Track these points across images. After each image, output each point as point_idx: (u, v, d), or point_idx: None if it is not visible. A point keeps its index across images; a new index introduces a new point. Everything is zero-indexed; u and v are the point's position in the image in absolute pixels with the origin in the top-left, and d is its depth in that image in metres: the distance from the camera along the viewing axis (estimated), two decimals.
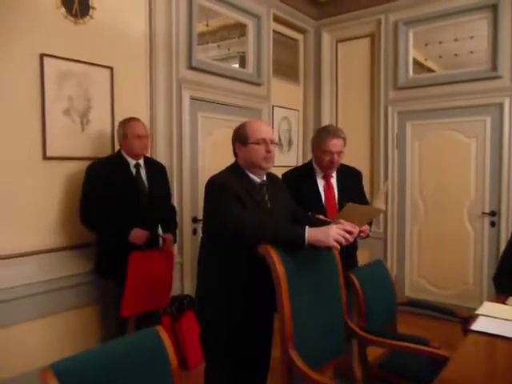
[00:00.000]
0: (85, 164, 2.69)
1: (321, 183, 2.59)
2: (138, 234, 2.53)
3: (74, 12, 2.69)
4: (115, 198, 2.53)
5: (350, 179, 2.66)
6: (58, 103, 2.62)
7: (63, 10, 2.64)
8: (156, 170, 2.82)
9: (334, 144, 2.45)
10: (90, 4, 2.77)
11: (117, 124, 2.89)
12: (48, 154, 2.59)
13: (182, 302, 3.08)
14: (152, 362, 1.32)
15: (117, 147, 2.89)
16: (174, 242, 2.92)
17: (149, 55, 3.15)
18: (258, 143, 1.92)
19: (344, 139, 2.52)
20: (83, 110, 2.75)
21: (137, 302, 2.54)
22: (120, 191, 2.56)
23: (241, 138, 1.95)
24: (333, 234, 1.68)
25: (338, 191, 2.59)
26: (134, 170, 2.67)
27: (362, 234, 2.24)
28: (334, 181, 2.61)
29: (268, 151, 1.93)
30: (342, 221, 1.86)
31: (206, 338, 2.00)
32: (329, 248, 1.75)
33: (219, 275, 1.90)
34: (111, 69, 2.88)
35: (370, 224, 2.31)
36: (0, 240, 2.40)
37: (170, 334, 2.94)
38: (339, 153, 2.48)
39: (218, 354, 1.96)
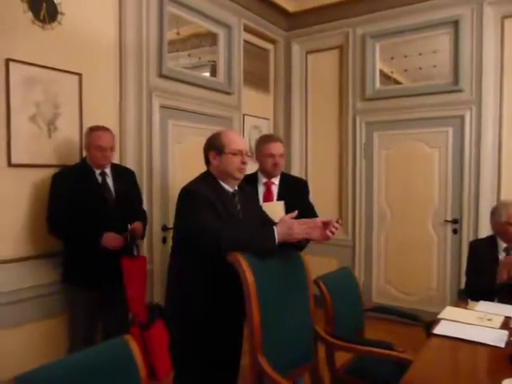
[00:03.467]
0: (52, 172, 2.65)
1: (261, 189, 2.70)
2: (111, 238, 2.49)
3: (41, 17, 2.65)
4: (81, 207, 2.49)
5: (293, 188, 2.73)
6: (24, 109, 2.57)
7: (30, 14, 2.60)
8: (124, 176, 2.80)
9: (276, 146, 2.65)
10: (59, 10, 2.73)
11: (85, 131, 2.86)
12: (13, 161, 2.52)
13: (152, 311, 3.04)
14: (121, 372, 1.32)
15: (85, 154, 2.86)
16: (142, 237, 2.90)
17: (119, 62, 3.13)
18: (234, 154, 1.94)
19: (283, 143, 2.75)
20: (50, 117, 2.70)
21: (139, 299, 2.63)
22: (86, 199, 2.52)
23: (216, 146, 1.97)
24: (296, 226, 1.76)
25: (277, 198, 2.68)
26: (99, 178, 2.64)
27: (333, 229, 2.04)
28: (275, 188, 2.71)
29: (243, 163, 1.96)
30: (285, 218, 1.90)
31: (175, 347, 1.99)
32: (298, 244, 1.83)
33: (189, 284, 1.90)
34: (80, 75, 2.85)
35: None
36: None
37: (139, 344, 2.88)
38: (281, 155, 2.66)
39: (188, 364, 1.95)
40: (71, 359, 1.27)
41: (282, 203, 2.52)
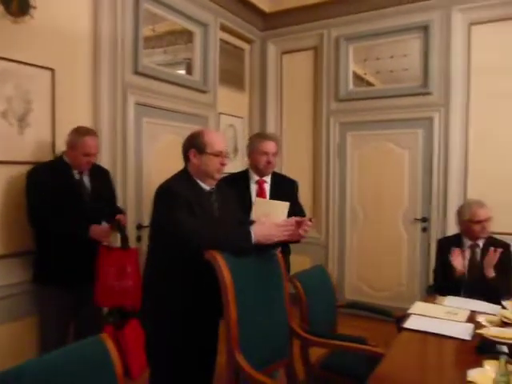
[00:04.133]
0: (22, 168, 2.59)
1: (254, 188, 2.72)
2: (99, 229, 2.48)
3: (12, 10, 2.58)
4: (58, 204, 2.45)
5: (284, 187, 2.76)
6: None
7: (1, 8, 2.53)
8: (100, 174, 2.77)
9: (270, 146, 2.67)
10: (31, 3, 2.67)
11: (58, 128, 2.82)
12: None
13: (126, 310, 3.02)
14: (97, 370, 1.31)
15: (58, 152, 2.80)
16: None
17: (93, 58, 3.08)
18: (215, 155, 1.95)
19: (277, 141, 2.75)
20: (22, 113, 2.64)
21: (108, 295, 2.55)
22: (62, 197, 2.48)
23: (198, 145, 1.97)
24: (274, 229, 1.80)
25: (270, 196, 2.70)
26: (76, 176, 2.60)
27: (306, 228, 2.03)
28: (267, 186, 2.73)
29: (222, 164, 1.98)
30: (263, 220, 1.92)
31: (151, 346, 1.99)
32: (275, 245, 1.87)
33: (165, 282, 1.90)
34: (53, 70, 2.79)
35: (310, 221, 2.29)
36: None
37: (114, 344, 2.86)
38: (274, 153, 2.69)
39: (164, 363, 1.95)
40: (47, 358, 1.25)
41: (287, 205, 2.31)
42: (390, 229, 4.30)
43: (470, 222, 2.69)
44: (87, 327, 2.63)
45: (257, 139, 2.74)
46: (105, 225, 2.61)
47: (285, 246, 2.54)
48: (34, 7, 2.69)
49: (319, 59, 4.60)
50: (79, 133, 2.55)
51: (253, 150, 2.72)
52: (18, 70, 2.60)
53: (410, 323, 2.07)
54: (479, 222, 2.65)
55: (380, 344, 2.00)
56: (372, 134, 4.40)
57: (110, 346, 1.40)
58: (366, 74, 4.48)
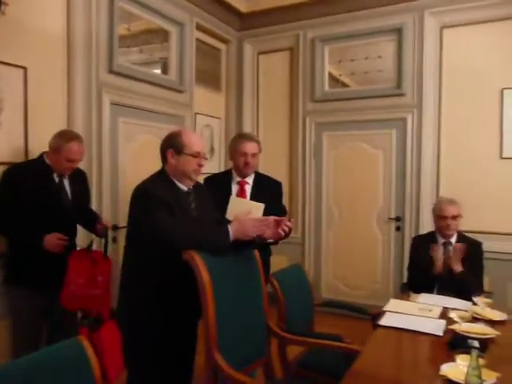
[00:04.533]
0: None
1: (235, 188, 2.72)
2: (52, 241, 2.38)
3: None
4: (34, 206, 2.39)
5: (267, 188, 2.76)
6: None
7: None
8: (78, 177, 2.71)
9: (249, 146, 2.66)
10: (2, 0, 2.60)
11: (30, 127, 2.76)
12: None
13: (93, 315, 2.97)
14: (74, 372, 1.29)
15: (31, 152, 2.75)
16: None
17: (66, 56, 3.02)
18: (193, 155, 1.95)
19: (258, 143, 2.73)
20: None
21: (72, 299, 2.47)
22: (41, 199, 2.42)
23: (176, 146, 1.96)
24: (250, 224, 1.82)
25: (250, 197, 2.70)
26: (56, 179, 2.54)
27: (285, 228, 2.01)
28: (248, 187, 2.73)
29: (200, 165, 1.98)
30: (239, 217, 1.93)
31: (128, 347, 1.98)
32: (252, 241, 1.88)
33: (143, 283, 1.89)
34: (25, 69, 2.73)
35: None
36: None
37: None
38: (254, 155, 2.68)
39: (142, 364, 1.93)
40: (23, 361, 1.23)
41: (262, 206, 2.41)
42: (365, 228, 4.38)
43: (438, 218, 2.79)
44: (60, 331, 2.58)
45: (236, 140, 2.75)
46: (60, 235, 2.45)
47: (265, 247, 2.55)
48: (6, 4, 2.61)
49: (295, 60, 4.63)
50: (64, 138, 2.49)
51: (233, 150, 2.73)
52: None
53: (384, 320, 2.11)
54: (446, 217, 2.74)
55: (356, 341, 2.04)
56: (347, 135, 4.46)
57: (88, 348, 1.38)
58: (341, 75, 4.55)
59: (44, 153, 2.55)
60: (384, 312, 2.25)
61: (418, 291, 2.62)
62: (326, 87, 4.53)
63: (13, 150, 2.69)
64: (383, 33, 4.22)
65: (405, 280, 3.28)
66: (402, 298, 2.54)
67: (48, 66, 2.90)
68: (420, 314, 2.21)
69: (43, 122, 2.85)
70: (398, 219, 4.24)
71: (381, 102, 4.24)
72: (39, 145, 2.71)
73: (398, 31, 4.12)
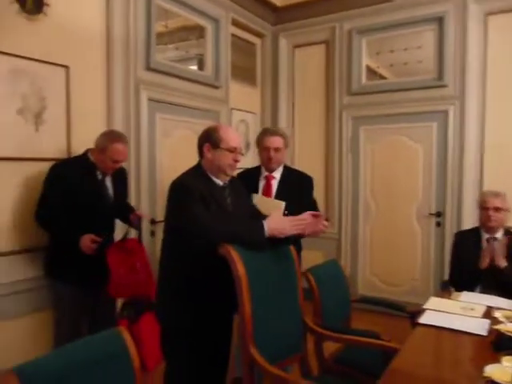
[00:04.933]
0: (38, 165, 2.63)
1: (262, 183, 2.71)
2: (85, 243, 2.43)
3: (27, 8, 2.61)
4: (76, 202, 2.46)
5: (295, 182, 2.71)
6: (11, 102, 2.53)
7: (16, 6, 2.56)
8: (119, 174, 2.77)
9: (271, 140, 2.64)
10: (45, 1, 2.69)
11: (73, 124, 2.85)
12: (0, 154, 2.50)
13: (141, 304, 3.05)
14: (115, 363, 1.33)
15: (73, 148, 2.84)
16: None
17: (106, 55, 3.10)
18: (229, 150, 1.96)
19: (283, 137, 2.68)
20: (37, 110, 2.67)
21: (121, 288, 2.61)
22: (83, 196, 2.48)
23: (212, 140, 1.97)
24: (287, 222, 1.81)
25: (276, 192, 2.67)
26: (99, 176, 2.61)
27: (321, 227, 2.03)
28: (275, 182, 2.71)
29: (236, 160, 1.98)
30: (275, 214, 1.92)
31: (166, 339, 2.01)
32: (287, 239, 1.87)
33: (180, 276, 1.92)
34: (67, 68, 2.82)
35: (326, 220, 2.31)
36: None
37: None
38: (277, 149, 2.64)
39: (179, 355, 1.97)
40: (67, 350, 1.28)
41: (282, 204, 2.43)
42: (404, 223, 4.27)
43: (480, 209, 2.71)
44: (101, 324, 2.66)
45: (261, 135, 2.74)
46: (94, 237, 2.48)
47: (296, 242, 2.53)
48: (48, 5, 2.71)
49: (331, 53, 4.56)
50: (111, 138, 2.54)
51: (258, 145, 2.74)
52: (33, 67, 2.64)
53: (424, 318, 2.05)
54: (487, 208, 2.64)
55: (394, 339, 1.99)
56: (385, 128, 4.36)
57: (128, 338, 1.41)
58: (378, 67, 4.44)
59: (88, 150, 2.62)
60: (424, 310, 2.19)
61: (459, 289, 2.53)
62: (363, 80, 4.44)
63: (56, 147, 2.79)
64: (423, 22, 4.08)
65: (446, 277, 3.17)
66: (442, 296, 2.46)
67: (88, 65, 2.99)
68: (462, 312, 2.13)
69: (84, 119, 2.94)
70: (438, 215, 4.11)
71: (421, 94, 4.11)
72: (81, 141, 2.81)
73: (439, 20, 3.97)
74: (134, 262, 2.70)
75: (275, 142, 2.64)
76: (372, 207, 4.46)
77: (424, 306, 2.24)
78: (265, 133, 2.72)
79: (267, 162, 2.67)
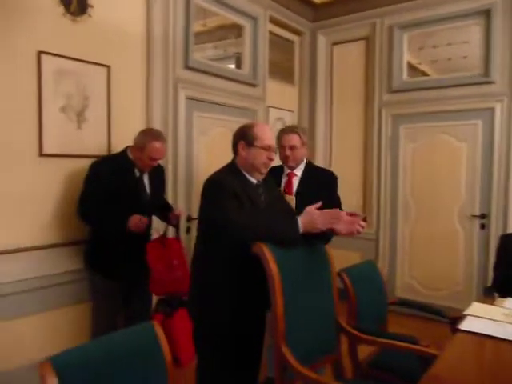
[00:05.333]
0: (80, 161, 2.72)
1: (284, 180, 2.70)
2: (135, 222, 2.47)
3: (72, 10, 2.70)
4: (115, 198, 2.51)
5: (317, 180, 2.66)
6: (55, 101, 2.63)
7: (62, 8, 2.65)
8: (157, 172, 2.82)
9: (287, 139, 2.63)
10: (89, 2, 2.78)
11: (113, 122, 2.92)
12: (44, 151, 2.59)
13: (176, 299, 3.10)
14: (147, 356, 1.35)
15: (113, 146, 2.91)
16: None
17: (146, 54, 3.17)
18: (263, 148, 1.95)
19: (299, 135, 2.64)
20: (80, 108, 2.76)
21: (161, 286, 2.68)
22: (121, 193, 2.54)
23: (247, 138, 1.97)
24: (318, 216, 1.77)
25: (296, 189, 2.65)
26: (137, 174, 2.66)
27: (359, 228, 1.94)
28: (296, 179, 2.68)
29: (270, 159, 1.97)
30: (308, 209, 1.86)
31: (198, 335, 2.02)
32: (323, 236, 1.84)
33: (213, 273, 1.92)
34: (108, 67, 2.89)
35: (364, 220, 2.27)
36: None
37: (163, 331, 2.95)
38: (292, 147, 2.62)
39: (211, 352, 1.97)
40: (101, 343, 1.31)
41: (293, 199, 2.48)
42: (445, 225, 4.12)
43: None
44: (137, 318, 2.71)
45: (279, 133, 2.73)
46: (141, 217, 2.54)
47: (329, 239, 2.48)
48: (92, 6, 2.79)
49: (371, 49, 4.46)
50: (149, 136, 2.58)
51: (277, 144, 2.71)
52: (77, 67, 2.73)
53: (466, 325, 1.96)
54: None
55: (432, 345, 1.92)
56: (427, 127, 4.22)
57: (160, 333, 1.43)
58: (420, 63, 4.30)
59: (128, 147, 2.68)
60: (465, 316, 2.09)
61: (504, 295, 2.41)
62: (404, 77, 4.31)
63: (97, 144, 2.87)
64: (469, 16, 3.91)
65: (489, 283, 3.03)
66: (485, 302, 2.35)
67: (128, 64, 3.06)
68: (506, 320, 2.03)
69: (124, 118, 3.01)
70: (482, 216, 3.93)
71: (465, 91, 3.94)
72: (121, 139, 2.88)
73: (486, 13, 3.80)
74: (171, 258, 2.75)
75: (291, 139, 2.62)
76: (412, 208, 4.33)
77: (465, 312, 2.15)
78: (282, 131, 2.71)
79: (284, 160, 2.67)
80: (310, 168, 2.75)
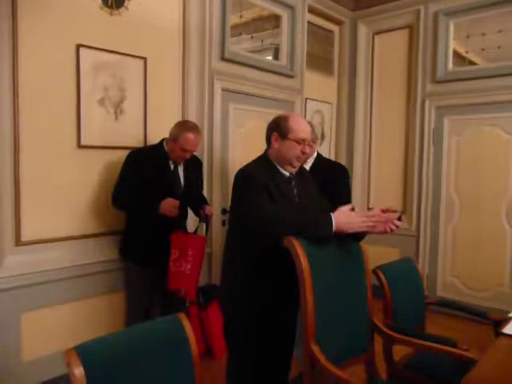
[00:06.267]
0: (117, 153, 2.76)
1: None
2: (169, 204, 2.49)
3: (109, 3, 2.74)
4: (149, 186, 2.54)
5: (325, 173, 2.56)
6: (93, 93, 2.68)
7: (99, 1, 2.69)
8: (193, 165, 2.83)
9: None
10: None
11: (149, 114, 2.94)
12: (82, 142, 2.65)
13: (210, 291, 3.11)
14: (173, 348, 1.34)
15: (149, 137, 2.94)
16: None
17: (182, 46, 3.17)
18: (297, 141, 1.89)
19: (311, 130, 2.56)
20: (117, 100, 2.80)
21: (177, 278, 2.61)
22: (155, 184, 2.57)
23: (281, 129, 1.92)
24: (356, 218, 1.71)
25: None
26: (172, 166, 2.68)
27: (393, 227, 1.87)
28: None
29: (303, 152, 1.92)
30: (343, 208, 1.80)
31: (228, 329, 2.01)
32: (357, 234, 1.78)
33: (244, 267, 1.90)
34: (145, 59, 2.92)
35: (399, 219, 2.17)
36: (35, 225, 2.50)
37: (197, 324, 2.97)
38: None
39: (241, 346, 1.96)
40: (127, 333, 1.31)
41: None
42: (491, 223, 3.90)
43: None
44: (172, 309, 2.74)
45: None
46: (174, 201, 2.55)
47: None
48: None
49: (415, 38, 4.27)
50: (183, 127, 2.60)
51: None
52: (114, 59, 2.76)
53: (510, 328, 1.85)
54: None
55: (473, 347, 1.82)
56: (474, 118, 4.00)
57: (187, 325, 1.41)
58: (467, 51, 4.08)
59: (164, 139, 2.70)
60: (510, 318, 1.97)
61: None
62: (450, 66, 4.10)
63: (134, 136, 2.91)
64: None
65: None
66: None
67: (165, 56, 3.07)
68: None
69: (160, 110, 3.04)
70: None
71: None
72: (157, 131, 2.91)
73: None
74: (187, 246, 2.64)
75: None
76: (456, 204, 4.13)
77: (510, 315, 2.02)
78: None
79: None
80: (319, 161, 2.72)
